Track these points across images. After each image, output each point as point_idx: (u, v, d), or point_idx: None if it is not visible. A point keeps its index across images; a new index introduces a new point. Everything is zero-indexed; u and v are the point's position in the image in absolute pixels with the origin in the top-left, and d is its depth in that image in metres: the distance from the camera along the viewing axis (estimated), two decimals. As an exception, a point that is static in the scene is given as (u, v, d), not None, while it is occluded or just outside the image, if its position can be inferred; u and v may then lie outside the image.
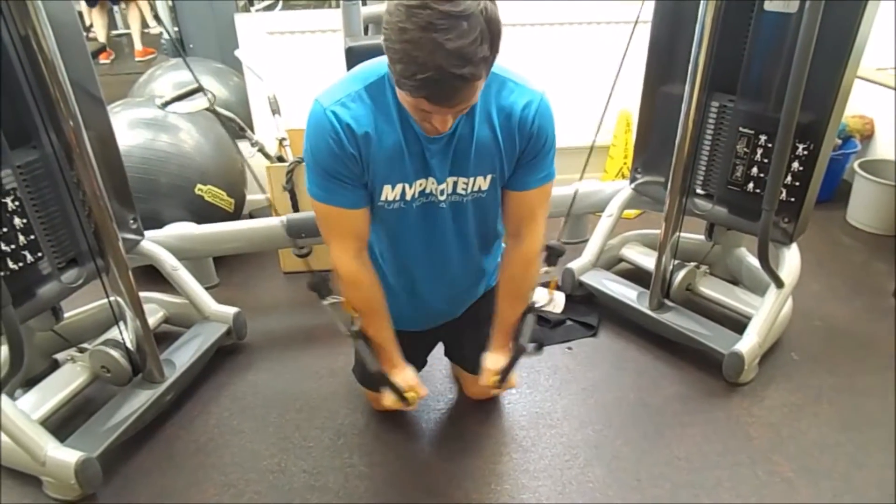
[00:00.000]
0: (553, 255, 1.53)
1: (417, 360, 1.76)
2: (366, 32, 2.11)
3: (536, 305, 2.20)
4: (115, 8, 6.21)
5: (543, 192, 1.40)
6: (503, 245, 1.59)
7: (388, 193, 1.31)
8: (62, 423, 1.71)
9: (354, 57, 1.75)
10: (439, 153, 1.29)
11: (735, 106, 1.84)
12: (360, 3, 2.00)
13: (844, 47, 1.61)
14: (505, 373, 1.52)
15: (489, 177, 1.34)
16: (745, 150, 1.85)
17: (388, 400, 1.49)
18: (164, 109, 2.02)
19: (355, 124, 1.23)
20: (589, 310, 2.20)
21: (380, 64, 1.25)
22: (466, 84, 1.03)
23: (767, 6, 1.69)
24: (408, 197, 1.33)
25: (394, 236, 1.43)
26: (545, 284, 1.56)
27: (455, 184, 1.33)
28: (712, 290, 2.11)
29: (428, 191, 1.34)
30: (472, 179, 1.33)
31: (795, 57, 1.54)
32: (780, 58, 1.70)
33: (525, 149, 1.32)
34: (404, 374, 1.50)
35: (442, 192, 1.34)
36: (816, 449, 1.68)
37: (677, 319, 2.00)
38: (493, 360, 1.54)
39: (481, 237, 1.50)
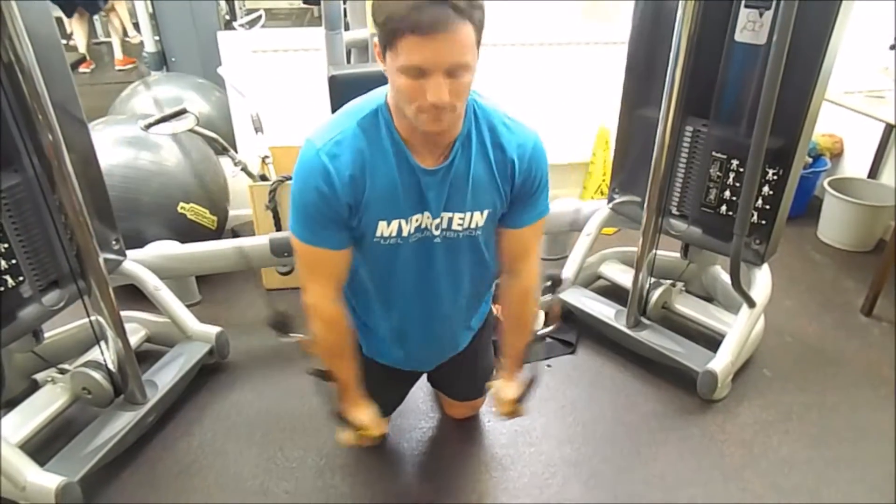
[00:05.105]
0: (554, 285, 1.56)
1: (400, 393, 1.77)
2: (348, 59, 2.12)
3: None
4: (96, 16, 6.16)
5: (537, 229, 1.41)
6: (491, 305, 1.63)
7: (384, 230, 1.28)
8: (43, 446, 1.69)
9: (338, 85, 1.78)
10: (436, 186, 1.26)
11: (708, 131, 1.89)
12: (343, 30, 2.02)
13: (811, 77, 1.67)
14: (520, 401, 1.52)
15: (486, 212, 1.32)
16: (718, 173, 1.90)
17: (347, 436, 1.47)
18: (147, 131, 2.03)
19: (349, 165, 1.21)
20: (568, 327, 2.23)
21: (372, 98, 1.25)
22: (451, 15, 1.02)
23: (738, 37, 1.75)
24: (404, 233, 1.30)
25: (386, 273, 1.38)
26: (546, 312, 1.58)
27: (451, 219, 1.31)
28: (687, 307, 2.16)
29: (423, 226, 1.31)
30: (468, 214, 1.31)
31: (764, 88, 1.60)
32: (751, 85, 1.76)
33: (519, 188, 1.32)
34: (363, 413, 1.47)
35: (437, 227, 1.31)
36: (786, 466, 1.74)
37: (653, 337, 2.05)
38: (505, 390, 1.53)
39: (474, 279, 1.47)
